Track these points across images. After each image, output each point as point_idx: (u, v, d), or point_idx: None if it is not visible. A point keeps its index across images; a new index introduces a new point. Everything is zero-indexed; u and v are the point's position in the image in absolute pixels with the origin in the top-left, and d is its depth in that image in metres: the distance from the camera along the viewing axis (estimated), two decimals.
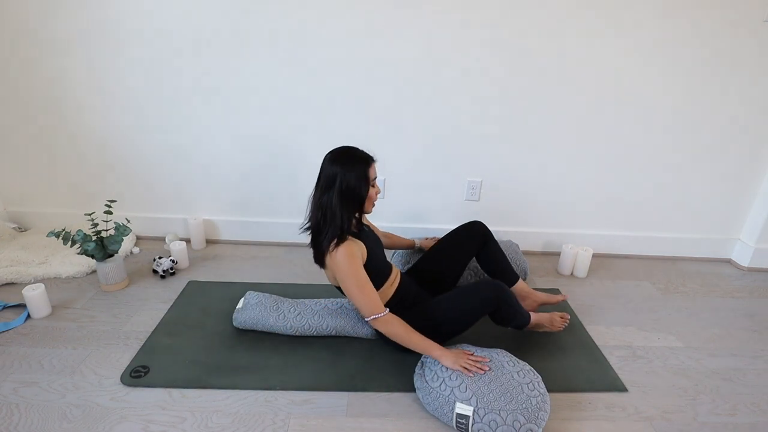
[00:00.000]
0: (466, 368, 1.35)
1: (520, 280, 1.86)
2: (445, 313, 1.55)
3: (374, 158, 1.49)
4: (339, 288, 1.55)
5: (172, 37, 2.04)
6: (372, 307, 1.44)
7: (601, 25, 2.00)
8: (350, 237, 1.46)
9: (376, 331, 1.57)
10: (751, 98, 2.14)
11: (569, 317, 1.73)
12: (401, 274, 1.69)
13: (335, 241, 1.41)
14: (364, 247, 1.48)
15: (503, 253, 1.87)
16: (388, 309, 1.47)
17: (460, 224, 1.89)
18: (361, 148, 1.50)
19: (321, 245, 1.45)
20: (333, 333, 1.69)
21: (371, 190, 1.48)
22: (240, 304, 1.74)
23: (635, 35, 2.02)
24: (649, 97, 2.14)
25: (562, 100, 2.15)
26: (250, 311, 1.69)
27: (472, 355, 1.42)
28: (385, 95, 2.13)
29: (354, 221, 1.52)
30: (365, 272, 1.45)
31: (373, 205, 1.53)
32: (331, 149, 1.49)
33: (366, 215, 1.60)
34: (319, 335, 1.70)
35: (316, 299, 1.78)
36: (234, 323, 1.72)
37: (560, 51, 2.05)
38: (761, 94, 2.14)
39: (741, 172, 2.31)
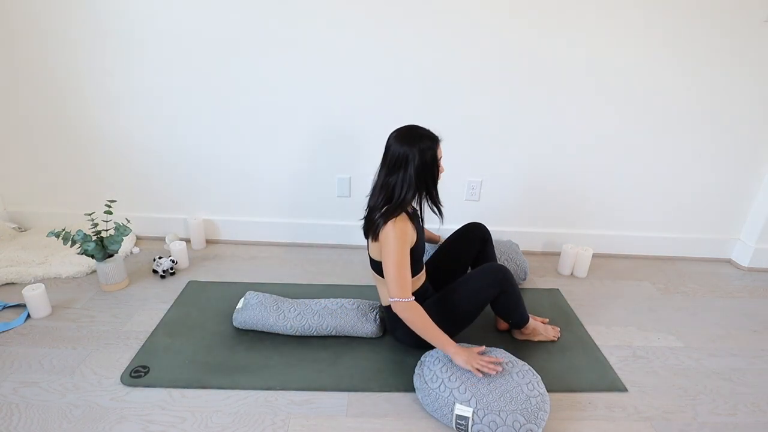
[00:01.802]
0: (478, 369, 1.33)
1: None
2: (455, 299, 1.54)
3: (440, 138, 1.47)
4: (375, 266, 1.54)
5: (173, 37, 2.03)
6: (402, 290, 1.40)
7: (602, 25, 2.00)
8: (407, 215, 1.45)
9: (388, 324, 1.61)
10: (752, 98, 2.14)
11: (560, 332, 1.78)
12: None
13: (395, 217, 1.41)
14: (415, 231, 1.49)
15: (494, 258, 1.87)
16: (413, 297, 1.45)
17: (463, 224, 1.88)
18: (425, 127, 1.48)
19: (377, 218, 1.44)
20: (333, 333, 1.69)
21: (438, 170, 1.48)
22: (240, 304, 1.74)
23: (636, 36, 2.02)
24: (650, 97, 2.14)
25: (563, 100, 2.14)
26: (251, 311, 1.69)
27: (484, 355, 1.41)
28: (385, 95, 2.13)
29: (415, 202, 1.51)
30: (407, 254, 1.43)
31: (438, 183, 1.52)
32: (397, 128, 1.48)
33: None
34: (319, 335, 1.70)
35: (316, 299, 1.78)
36: (234, 323, 1.72)
37: (561, 51, 2.05)
38: (761, 94, 2.13)
39: (741, 172, 2.31)
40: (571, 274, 2.28)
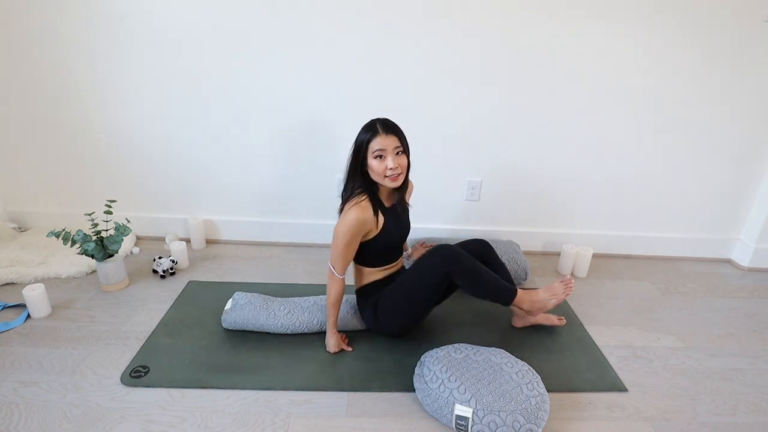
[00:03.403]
0: (342, 349, 1.61)
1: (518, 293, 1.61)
2: (405, 285, 1.56)
3: (384, 130, 1.43)
4: None
5: (173, 37, 2.04)
6: (337, 264, 1.52)
7: (602, 25, 2.00)
8: (368, 202, 1.49)
9: (368, 319, 1.66)
10: (752, 98, 2.14)
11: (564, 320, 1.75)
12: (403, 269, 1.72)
13: (353, 201, 1.48)
14: (380, 220, 1.51)
15: (504, 267, 1.74)
16: (344, 276, 1.55)
17: (466, 240, 1.76)
18: (381, 118, 1.49)
19: (343, 200, 1.55)
20: (324, 329, 1.71)
21: (374, 162, 1.44)
22: (228, 305, 1.74)
23: (636, 36, 2.02)
24: (650, 97, 2.14)
25: (563, 100, 2.15)
26: (240, 311, 1.69)
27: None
28: (385, 95, 2.13)
29: (375, 192, 1.54)
30: (355, 240, 1.50)
31: (387, 178, 1.46)
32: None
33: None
34: (310, 332, 1.71)
35: (305, 297, 1.80)
36: (223, 324, 1.71)
37: (561, 51, 2.05)
38: (762, 94, 2.14)
39: (741, 172, 2.31)
40: (571, 274, 2.28)
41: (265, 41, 2.04)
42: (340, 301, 1.59)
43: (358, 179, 1.51)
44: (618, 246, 2.48)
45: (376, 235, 1.53)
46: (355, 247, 1.53)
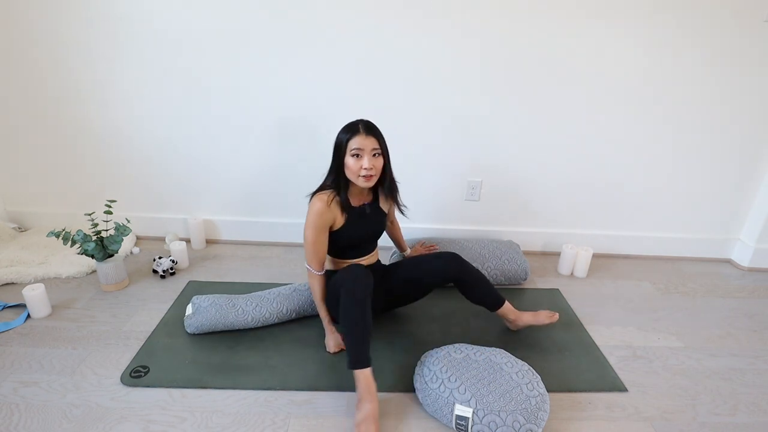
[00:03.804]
0: (342, 349, 1.59)
1: (506, 303, 1.68)
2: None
3: (365, 130, 1.47)
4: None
5: (173, 37, 2.04)
6: (312, 261, 1.56)
7: (602, 25, 2.00)
8: (331, 198, 1.52)
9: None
10: (752, 98, 2.14)
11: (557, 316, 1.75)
12: (376, 270, 1.72)
13: (316, 193, 1.55)
14: (337, 218, 1.56)
15: (483, 281, 1.66)
16: (324, 272, 1.59)
17: (437, 252, 1.71)
18: (365, 120, 1.52)
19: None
20: (294, 316, 1.76)
21: (350, 160, 1.48)
22: (189, 311, 1.72)
23: (635, 35, 2.02)
24: (650, 97, 2.14)
25: (563, 100, 2.15)
26: (204, 314, 1.68)
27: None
28: (386, 95, 2.13)
29: (344, 190, 1.56)
30: (321, 234, 1.54)
31: (360, 177, 1.49)
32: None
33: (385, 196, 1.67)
34: (281, 321, 1.75)
35: (269, 289, 1.83)
36: (188, 330, 1.69)
37: (560, 51, 2.05)
38: (762, 94, 2.14)
39: (741, 172, 2.31)
40: (571, 274, 2.28)
41: (265, 41, 2.04)
42: (322, 295, 1.61)
43: (332, 176, 1.56)
44: (618, 246, 2.48)
45: (338, 229, 1.57)
46: (324, 240, 1.56)
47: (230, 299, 1.74)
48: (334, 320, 1.64)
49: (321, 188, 1.58)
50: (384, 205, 1.70)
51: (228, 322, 1.69)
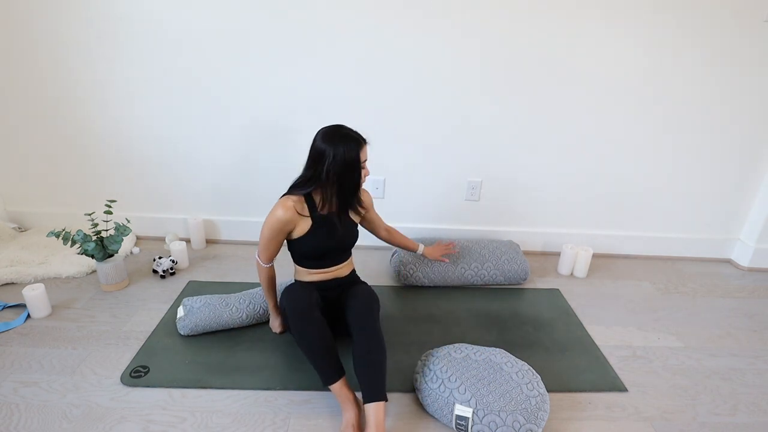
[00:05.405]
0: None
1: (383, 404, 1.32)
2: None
3: (366, 140, 1.48)
4: None
5: (173, 37, 2.04)
6: (262, 254, 1.56)
7: (602, 25, 2.00)
8: (298, 203, 1.48)
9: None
10: (752, 98, 2.14)
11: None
12: (341, 284, 1.63)
13: (285, 194, 1.51)
14: (300, 225, 1.50)
15: (378, 362, 1.36)
16: (271, 264, 1.59)
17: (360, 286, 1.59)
18: (351, 128, 1.48)
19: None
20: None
21: (362, 172, 1.49)
22: (181, 312, 1.71)
23: (635, 35, 2.02)
24: (650, 97, 2.14)
25: (563, 100, 2.15)
26: (197, 314, 1.68)
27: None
28: (386, 95, 2.13)
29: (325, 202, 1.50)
30: (278, 235, 1.51)
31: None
32: (325, 126, 1.47)
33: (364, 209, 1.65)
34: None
35: (257, 288, 1.83)
36: (180, 332, 1.68)
37: (560, 51, 2.05)
38: (762, 94, 2.14)
39: (741, 172, 2.31)
40: (571, 274, 2.28)
41: (265, 41, 2.04)
42: (274, 287, 1.64)
43: (310, 183, 1.47)
44: (618, 246, 2.48)
45: (301, 237, 1.51)
46: (279, 241, 1.53)
47: (223, 298, 1.74)
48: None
49: (294, 189, 1.51)
50: (354, 216, 1.63)
51: (222, 321, 1.69)
